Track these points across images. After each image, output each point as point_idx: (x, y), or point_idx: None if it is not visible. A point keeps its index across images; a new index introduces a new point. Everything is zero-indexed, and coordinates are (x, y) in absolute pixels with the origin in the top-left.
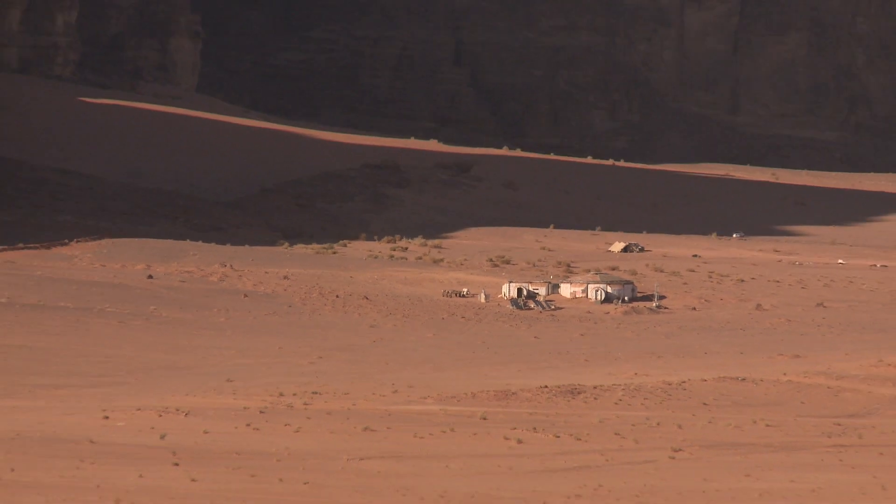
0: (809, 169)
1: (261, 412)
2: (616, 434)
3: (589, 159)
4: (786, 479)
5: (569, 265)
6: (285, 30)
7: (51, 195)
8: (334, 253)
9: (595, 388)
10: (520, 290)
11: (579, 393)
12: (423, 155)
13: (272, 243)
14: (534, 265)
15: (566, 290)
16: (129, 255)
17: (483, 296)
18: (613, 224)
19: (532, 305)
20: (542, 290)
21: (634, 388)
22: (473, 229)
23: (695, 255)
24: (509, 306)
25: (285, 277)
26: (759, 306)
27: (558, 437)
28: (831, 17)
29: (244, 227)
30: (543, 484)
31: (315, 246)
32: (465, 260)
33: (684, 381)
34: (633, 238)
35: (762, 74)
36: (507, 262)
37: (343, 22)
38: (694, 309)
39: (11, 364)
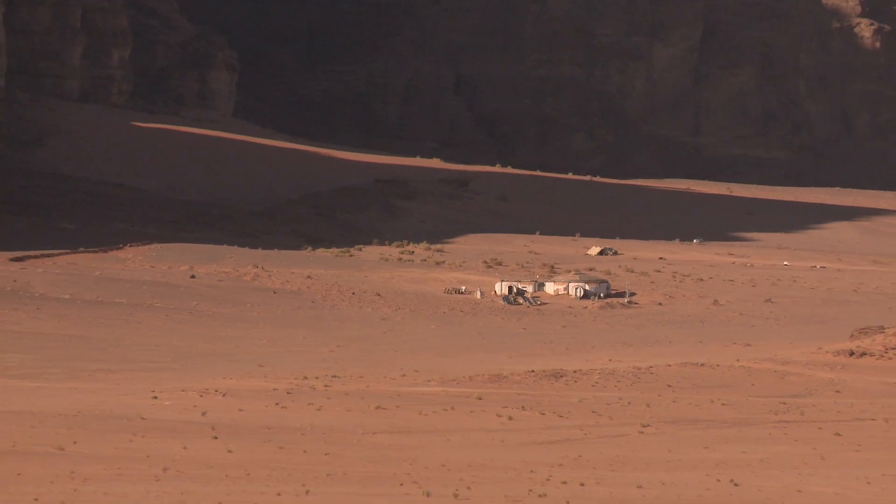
0: (759, 184)
1: (287, 393)
2: (593, 412)
3: (570, 175)
4: (738, 450)
5: (552, 266)
6: (309, 64)
7: (107, 206)
8: (351, 256)
9: (575, 372)
10: (510, 288)
11: (561, 376)
12: (427, 172)
13: (297, 248)
14: (522, 266)
15: (550, 288)
16: (175, 257)
17: (479, 293)
18: (591, 231)
19: (521, 301)
20: (529, 288)
21: (609, 373)
22: (470, 235)
23: (660, 258)
24: (501, 302)
25: (308, 277)
26: (715, 302)
27: (543, 414)
28: (779, 53)
29: (273, 233)
30: (531, 454)
31: (334, 250)
32: (464, 262)
33: (651, 367)
34: (608, 243)
35: (720, 102)
36: (500, 264)
37: (359, 57)
38: (660, 304)
39: (73, 352)
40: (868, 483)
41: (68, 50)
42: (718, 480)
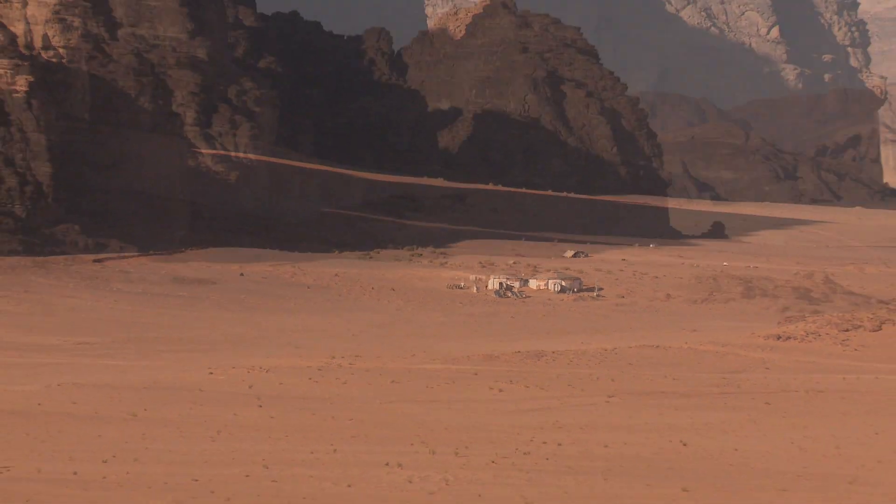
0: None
1: (319, 369)
2: (568, 385)
3: (549, 192)
4: (686, 417)
5: (535, 266)
6: (336, 102)
7: (172, 218)
8: (370, 258)
9: (553, 352)
10: (501, 284)
11: (543, 356)
12: (432, 189)
13: (327, 251)
14: (510, 266)
15: (533, 283)
16: (227, 259)
17: (475, 288)
18: (566, 237)
19: (509, 295)
20: (516, 284)
21: (581, 353)
22: (468, 241)
23: (623, 259)
24: (493, 295)
25: (336, 275)
26: (668, 296)
27: (527, 387)
28: (718, 94)
29: (307, 240)
30: (517, 420)
31: (357, 253)
32: (462, 263)
33: (615, 348)
34: (580, 247)
35: (670, 133)
36: (492, 264)
37: (375, 97)
38: (622, 297)
39: (144, 335)
40: (791, 443)
41: (141, 89)
42: (670, 441)
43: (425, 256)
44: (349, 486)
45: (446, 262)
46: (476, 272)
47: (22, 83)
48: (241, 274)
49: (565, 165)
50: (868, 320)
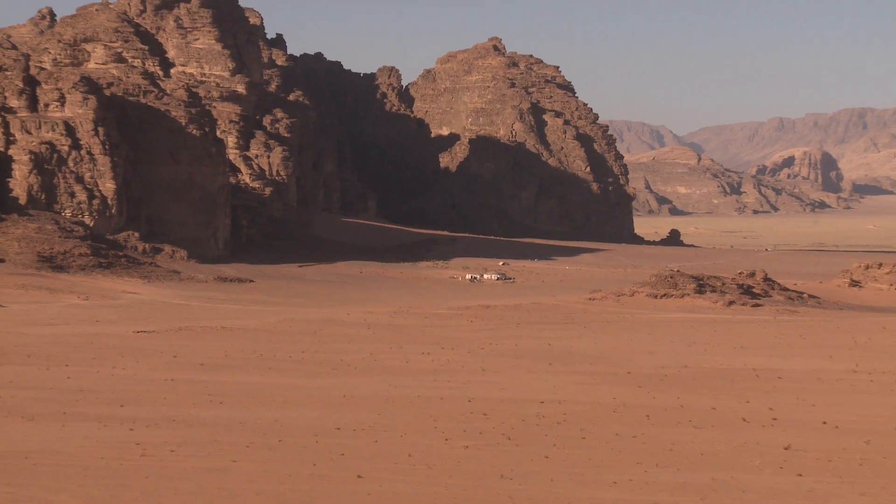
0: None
1: (392, 314)
2: (500, 318)
3: (500, 237)
4: (553, 334)
5: (486, 269)
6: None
7: (336, 250)
8: (413, 265)
9: (495, 306)
10: (473, 277)
11: (490, 307)
12: (439, 237)
13: (397, 262)
14: (477, 269)
15: (486, 276)
16: (354, 265)
17: (461, 279)
18: (503, 256)
19: (476, 282)
20: (478, 277)
21: (509, 307)
22: (459, 258)
23: (524, 266)
24: (469, 282)
25: (400, 272)
26: (543, 281)
27: (483, 319)
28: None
29: (388, 258)
30: (481, 333)
31: (408, 264)
32: (455, 268)
33: (519, 304)
34: (508, 259)
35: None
36: (467, 268)
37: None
38: (523, 282)
39: (315, 298)
40: (603, 342)
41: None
42: (549, 344)
43: (438, 266)
44: (407, 361)
45: (447, 268)
46: (461, 271)
47: (91, 114)
48: (360, 271)
49: (546, 182)
50: (674, 291)
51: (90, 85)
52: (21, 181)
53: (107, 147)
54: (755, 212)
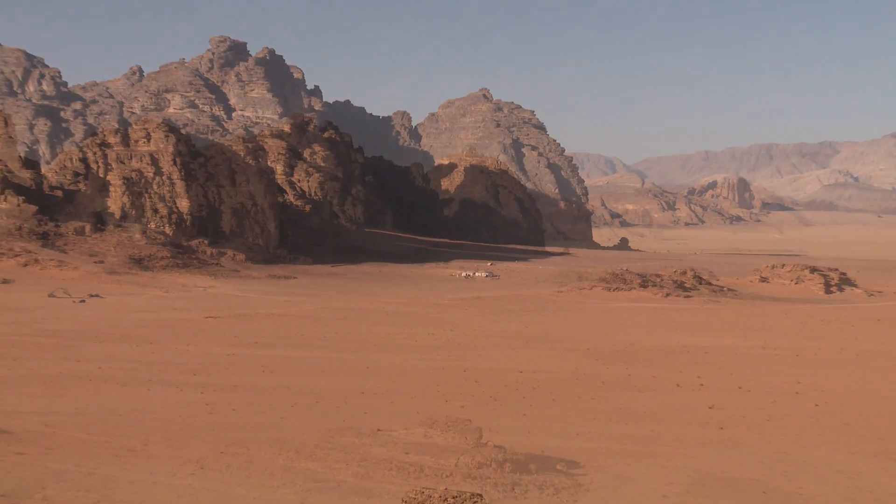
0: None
1: (402, 305)
2: (488, 307)
3: (489, 244)
4: (528, 319)
5: (477, 267)
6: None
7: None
8: (422, 266)
9: (485, 297)
10: (467, 275)
11: (480, 299)
12: (440, 244)
13: (408, 263)
14: (471, 269)
15: (478, 274)
16: (373, 266)
17: (457, 276)
18: (494, 260)
19: (469, 278)
20: (471, 274)
21: (495, 298)
22: (456, 261)
23: (508, 266)
24: (463, 278)
25: (410, 271)
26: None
27: (475, 309)
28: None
29: (403, 260)
30: (476, 317)
31: (415, 265)
32: (453, 267)
33: (504, 295)
34: (493, 261)
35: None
36: (463, 268)
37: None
38: (505, 278)
39: (346, 291)
40: (568, 325)
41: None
42: (526, 327)
43: (440, 267)
44: (415, 340)
45: (447, 267)
46: (458, 270)
47: (170, 147)
48: (381, 270)
49: (524, 201)
50: (624, 285)
51: (170, 126)
52: (116, 200)
53: (182, 174)
54: (686, 224)
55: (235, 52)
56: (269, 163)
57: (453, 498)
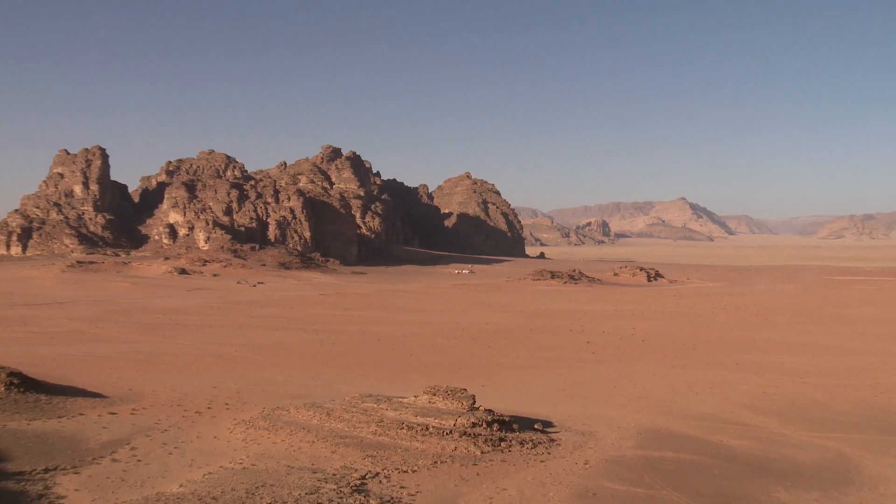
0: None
1: (422, 288)
2: (469, 289)
3: (481, 255)
4: (492, 296)
5: (464, 269)
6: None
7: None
8: (432, 267)
9: (467, 284)
10: (458, 272)
11: (465, 285)
12: (444, 255)
13: (426, 266)
14: (461, 269)
15: (465, 272)
16: (407, 267)
17: (456, 272)
18: (473, 264)
19: (460, 274)
20: (461, 272)
21: (473, 284)
22: (453, 264)
23: (488, 266)
24: (456, 274)
25: (426, 271)
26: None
27: (465, 293)
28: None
29: (420, 264)
30: (462, 295)
31: (429, 267)
32: (451, 268)
33: (480, 283)
34: (474, 265)
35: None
36: (456, 268)
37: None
38: (479, 273)
39: (385, 283)
40: (513, 299)
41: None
42: (490, 299)
43: (446, 267)
44: (429, 307)
45: (447, 268)
46: (453, 270)
47: (300, 203)
48: (385, 267)
49: (489, 232)
50: (541, 277)
51: (300, 192)
52: (272, 232)
53: (306, 217)
54: (574, 245)
55: (334, 152)
56: (352, 211)
57: (451, 391)
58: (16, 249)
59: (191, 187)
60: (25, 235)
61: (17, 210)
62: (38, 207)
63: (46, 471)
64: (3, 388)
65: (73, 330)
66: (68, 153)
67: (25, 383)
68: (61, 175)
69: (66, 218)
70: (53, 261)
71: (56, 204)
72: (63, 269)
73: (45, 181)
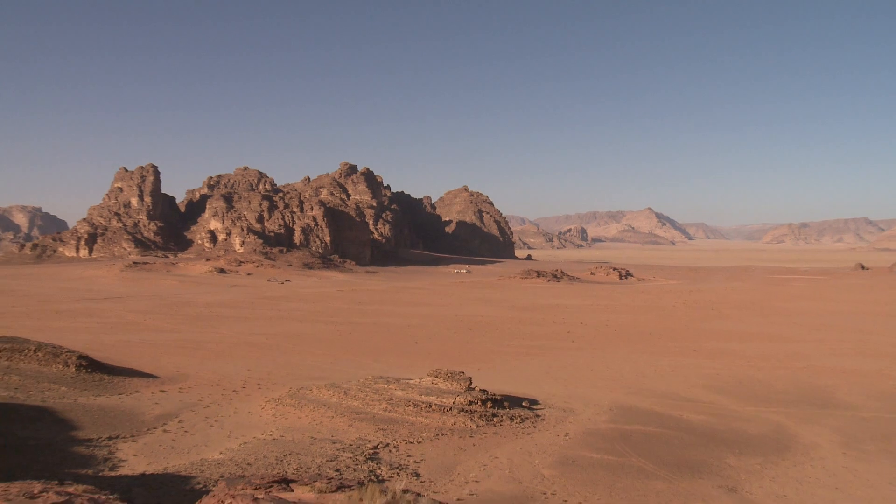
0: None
1: (427, 285)
2: (466, 286)
3: (476, 257)
4: (486, 293)
5: (463, 269)
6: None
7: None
8: (437, 267)
9: (465, 282)
10: (457, 272)
11: (463, 282)
12: (445, 257)
13: (430, 266)
14: (459, 269)
15: (463, 272)
16: (414, 267)
17: (455, 272)
18: (470, 265)
19: (459, 273)
20: (460, 271)
21: (470, 282)
22: (453, 265)
23: (484, 266)
24: (455, 273)
25: (430, 270)
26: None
27: (465, 289)
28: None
29: (425, 264)
30: (460, 291)
31: (432, 267)
32: (451, 268)
33: (475, 280)
34: (471, 266)
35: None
36: (456, 268)
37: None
38: (475, 273)
39: (395, 282)
40: (504, 294)
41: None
42: (484, 295)
43: (448, 269)
44: (433, 302)
45: (447, 268)
46: (452, 270)
47: (322, 212)
48: (395, 267)
49: (484, 237)
50: (528, 276)
51: (321, 203)
52: (297, 237)
53: (327, 224)
54: (557, 248)
55: (351, 168)
56: (366, 219)
57: (451, 373)
58: (83, 252)
59: (228, 199)
60: (91, 240)
61: (84, 219)
62: (101, 216)
63: (110, 438)
64: (73, 370)
65: (129, 321)
66: (126, 170)
67: (92, 365)
68: (121, 189)
69: (125, 225)
70: (114, 262)
71: (116, 213)
72: (121, 269)
73: (107, 194)
